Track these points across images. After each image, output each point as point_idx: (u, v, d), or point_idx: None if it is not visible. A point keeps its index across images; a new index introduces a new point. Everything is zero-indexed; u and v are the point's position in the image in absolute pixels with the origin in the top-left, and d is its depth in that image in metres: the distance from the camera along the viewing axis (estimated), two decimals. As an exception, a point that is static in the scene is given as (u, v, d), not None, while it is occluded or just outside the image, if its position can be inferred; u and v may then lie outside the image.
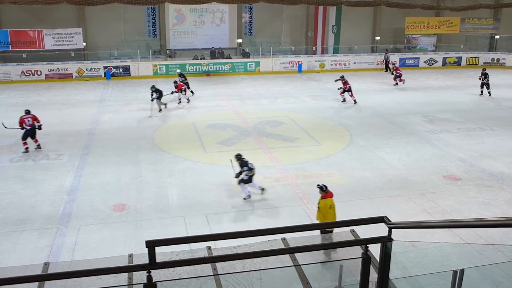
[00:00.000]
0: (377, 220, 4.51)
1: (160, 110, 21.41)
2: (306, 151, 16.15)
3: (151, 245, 3.90)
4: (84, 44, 30.88)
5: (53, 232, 10.66)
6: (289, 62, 32.85)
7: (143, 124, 19.38)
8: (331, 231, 7.84)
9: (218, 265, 4.98)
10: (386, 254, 4.45)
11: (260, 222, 10.90)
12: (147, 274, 3.91)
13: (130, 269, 4.47)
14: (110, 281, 4.26)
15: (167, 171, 14.27)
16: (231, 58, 32.89)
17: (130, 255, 5.30)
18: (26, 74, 29.31)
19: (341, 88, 23.25)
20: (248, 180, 12.18)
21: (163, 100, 21.59)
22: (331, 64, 33.55)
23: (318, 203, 9.35)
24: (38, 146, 16.30)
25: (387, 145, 16.65)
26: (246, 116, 20.69)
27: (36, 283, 4.62)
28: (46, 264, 5.51)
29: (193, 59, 31.90)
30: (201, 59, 32.11)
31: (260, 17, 34.80)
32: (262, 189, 12.54)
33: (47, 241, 10.29)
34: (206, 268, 4.95)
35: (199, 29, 34.16)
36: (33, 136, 16.21)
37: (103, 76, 29.74)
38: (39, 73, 29.43)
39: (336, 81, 23.80)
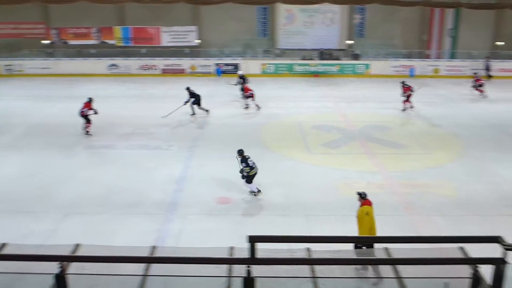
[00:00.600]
0: (491, 239, 4.18)
1: (194, 114, 20.58)
2: (414, 159, 15.49)
3: (253, 240, 3.96)
4: (197, 41, 32.20)
5: (161, 218, 11.25)
6: (401, 65, 31.73)
7: (250, 121, 19.79)
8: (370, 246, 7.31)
9: (317, 267, 4.93)
10: (499, 277, 4.11)
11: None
12: (247, 268, 3.97)
13: (231, 261, 4.58)
14: (211, 271, 4.39)
15: (270, 169, 14.40)
16: (339, 59, 32.50)
17: (231, 248, 5.42)
18: (144, 68, 31.23)
19: (405, 94, 21.56)
20: (248, 180, 12.16)
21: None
22: (446, 70, 31.88)
23: (357, 212, 9.17)
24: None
25: (503, 159, 15.46)
26: (352, 119, 20.34)
27: (143, 264, 4.90)
28: (154, 248, 5.82)
29: (301, 59, 31.98)
30: (309, 59, 32.09)
31: (372, 18, 33.96)
32: (258, 191, 12.36)
33: (155, 226, 10.88)
34: (304, 270, 4.93)
35: (309, 29, 34.13)
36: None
37: (214, 72, 30.81)
38: (155, 68, 31.23)
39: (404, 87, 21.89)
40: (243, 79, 24.21)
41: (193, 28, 32.00)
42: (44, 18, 32.82)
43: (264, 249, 4.26)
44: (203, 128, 18.84)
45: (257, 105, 21.63)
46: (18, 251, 5.11)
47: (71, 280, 4.24)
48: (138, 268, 4.84)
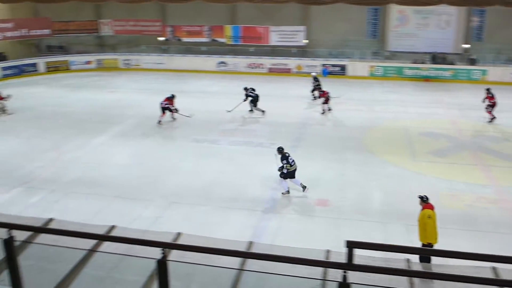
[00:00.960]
0: None
1: (251, 110, 21.00)
2: (532, 174, 14.28)
3: (351, 245, 3.87)
4: (305, 41, 32.20)
5: (259, 215, 11.42)
6: (523, 72, 29.35)
7: (353, 124, 19.40)
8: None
9: (416, 280, 4.71)
10: None
11: (467, 244, 10.03)
12: (343, 273, 3.88)
13: (327, 264, 4.51)
14: (305, 272, 4.35)
15: (372, 174, 14.08)
16: (454, 64, 30.81)
17: (328, 251, 5.34)
18: (252, 66, 31.85)
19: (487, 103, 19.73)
20: (290, 175, 12.28)
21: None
22: None
23: (418, 215, 9.00)
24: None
25: None
26: (464, 128, 19.18)
27: (239, 259, 4.98)
28: (250, 243, 5.90)
29: (412, 63, 30.77)
30: (421, 63, 30.79)
31: (493, 21, 31.71)
32: (304, 187, 12.41)
33: (253, 222, 11.07)
34: (402, 281, 4.72)
35: (422, 31, 32.69)
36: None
37: (320, 73, 30.64)
38: (262, 66, 31.72)
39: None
40: (317, 81, 23.85)
41: (302, 28, 32.04)
42: (161, 16, 34.67)
43: (360, 255, 4.14)
44: (306, 129, 18.81)
45: (328, 109, 21.13)
46: (125, 234, 5.43)
47: (171, 266, 4.42)
48: (234, 261, 4.92)
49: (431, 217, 8.79)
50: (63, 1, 30.06)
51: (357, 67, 30.59)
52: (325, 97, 20.97)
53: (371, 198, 12.40)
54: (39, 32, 32.25)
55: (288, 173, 12.47)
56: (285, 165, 12.37)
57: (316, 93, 23.22)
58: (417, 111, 21.96)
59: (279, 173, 12.55)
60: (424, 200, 9.10)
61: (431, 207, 9.01)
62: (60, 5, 32.16)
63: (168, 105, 19.12)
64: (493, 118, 19.84)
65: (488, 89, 20.57)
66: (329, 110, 21.03)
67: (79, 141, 17.22)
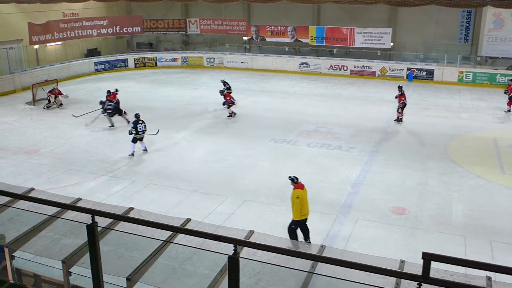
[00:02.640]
0: None
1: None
2: None
3: (428, 257, 3.69)
4: (391, 44, 31.34)
5: (333, 219, 11.26)
6: None
7: (438, 131, 18.60)
8: None
9: (495, 299, 4.44)
10: None
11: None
12: (417, 286, 3.72)
13: (401, 275, 4.34)
14: (377, 281, 4.23)
15: (455, 185, 13.43)
16: (553, 72, 28.68)
17: (402, 261, 5.16)
18: (334, 68, 31.49)
19: None
20: (136, 140, 14.68)
21: None
22: None
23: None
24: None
25: None
26: (560, 141, 17.82)
27: (311, 262, 4.92)
28: (322, 247, 5.82)
29: (506, 69, 29.01)
30: (516, 70, 28.95)
31: None
32: (145, 150, 14.03)
33: (326, 226, 10.93)
34: (481, 299, 4.47)
35: (520, 36, 30.72)
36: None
37: (405, 77, 29.71)
38: (345, 68, 31.26)
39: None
40: (226, 84, 23.09)
41: (388, 30, 31.22)
42: (247, 16, 35.18)
43: (437, 269, 3.96)
44: (388, 134, 18.29)
45: (232, 113, 20.63)
46: (199, 228, 5.55)
47: (242, 263, 4.45)
48: (305, 264, 4.88)
49: (299, 197, 9.72)
50: (155, 0, 31.33)
51: (445, 72, 29.32)
52: (229, 102, 20.58)
53: (452, 210, 11.83)
54: (130, 29, 33.85)
55: (134, 138, 15.40)
56: (132, 130, 15.34)
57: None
58: (510, 121, 20.67)
59: (355, 177, 12.26)
60: (294, 181, 10.05)
61: (301, 187, 9.97)
62: (151, 4, 33.57)
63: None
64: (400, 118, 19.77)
65: (400, 87, 20.36)
66: (233, 114, 20.61)
67: (162, 135, 17.86)
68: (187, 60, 34.25)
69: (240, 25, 34.11)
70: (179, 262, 5.58)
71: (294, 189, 10.02)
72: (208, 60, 34.26)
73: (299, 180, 10.14)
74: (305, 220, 9.91)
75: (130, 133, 15.62)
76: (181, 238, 5.31)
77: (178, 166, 14.88)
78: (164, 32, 35.37)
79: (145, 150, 16.01)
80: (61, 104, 22.43)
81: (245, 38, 34.64)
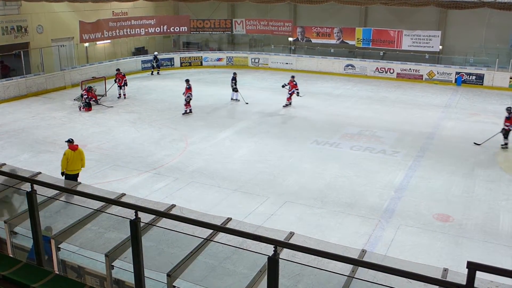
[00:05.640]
0: None
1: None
2: None
3: (473, 267, 3.59)
4: (440, 47, 30.58)
5: (374, 223, 11.09)
6: None
7: (486, 137, 18.01)
8: None
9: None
10: None
11: None
12: (461, 296, 3.62)
13: (444, 284, 4.23)
14: (418, 288, 4.15)
15: (503, 193, 12.98)
16: None
17: (445, 270, 5.03)
18: (380, 71, 31.01)
19: None
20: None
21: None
22: None
23: None
24: None
25: None
26: None
27: (351, 266, 4.86)
28: (363, 251, 5.74)
29: (561, 75, 27.80)
30: None
31: None
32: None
33: (367, 230, 10.78)
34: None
35: None
36: None
37: (453, 81, 28.91)
38: (391, 71, 30.73)
39: None
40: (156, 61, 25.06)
41: (437, 33, 30.46)
42: (292, 17, 35.10)
43: (482, 279, 3.85)
44: (433, 139, 17.85)
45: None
46: (240, 227, 5.58)
47: (281, 264, 4.44)
48: (345, 268, 4.83)
49: (65, 154, 11.83)
50: (202, 0, 31.72)
51: (495, 77, 28.36)
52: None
53: (499, 219, 11.45)
54: (177, 29, 34.37)
55: None
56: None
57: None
58: None
59: (399, 181, 12.04)
60: (70, 141, 12.08)
61: (73, 148, 11.93)
62: (198, 4, 34.00)
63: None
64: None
65: (293, 76, 22.71)
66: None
67: (205, 134, 18.09)
68: (232, 60, 34.49)
69: (286, 26, 34.07)
70: (218, 261, 5.63)
71: (68, 148, 11.99)
72: (253, 60, 34.39)
73: (75, 143, 12.16)
74: (74, 175, 11.94)
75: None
76: (221, 236, 5.35)
77: (220, 165, 15.01)
78: (211, 32, 35.75)
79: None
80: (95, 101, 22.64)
81: (290, 39, 34.57)
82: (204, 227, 4.85)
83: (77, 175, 12.08)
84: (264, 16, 34.99)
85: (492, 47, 30.14)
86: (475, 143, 17.18)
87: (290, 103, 22.49)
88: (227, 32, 35.81)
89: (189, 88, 21.03)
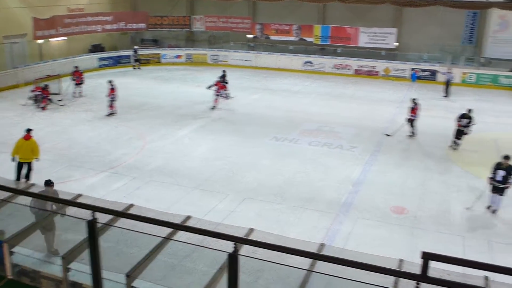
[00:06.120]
0: None
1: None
2: None
3: (427, 257, 3.72)
4: (395, 44, 31.29)
5: (332, 217, 11.27)
6: None
7: (439, 132, 18.58)
8: None
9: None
10: None
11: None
12: (416, 285, 3.75)
13: (400, 274, 4.37)
14: (376, 280, 4.24)
15: (454, 185, 13.45)
16: (557, 74, 28.58)
17: (401, 261, 5.18)
18: (338, 67, 31.46)
19: None
20: None
21: None
22: None
23: None
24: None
25: None
26: None
27: (310, 260, 4.94)
28: (322, 245, 5.84)
29: (509, 71, 28.92)
30: (519, 71, 28.86)
31: None
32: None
33: (326, 224, 10.95)
34: (478, 299, 4.47)
35: (524, 38, 30.60)
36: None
37: (408, 77, 29.65)
38: (349, 67, 31.22)
39: None
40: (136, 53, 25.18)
41: (393, 30, 31.15)
42: (251, 14, 35.15)
43: (435, 268, 3.99)
44: (388, 134, 18.27)
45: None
46: (199, 225, 5.57)
47: (241, 261, 4.47)
48: (305, 262, 4.89)
49: (17, 141, 12.59)
50: (160, -4, 31.46)
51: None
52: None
53: (451, 210, 11.86)
54: (135, 25, 33.84)
55: None
56: None
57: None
58: (509, 122, 20.65)
59: (356, 176, 12.27)
60: (27, 131, 12.65)
61: (25, 138, 12.55)
62: (156, 0, 33.63)
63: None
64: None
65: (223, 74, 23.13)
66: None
67: (164, 132, 17.91)
68: (191, 57, 34.25)
69: (245, 23, 34.09)
70: (178, 259, 5.61)
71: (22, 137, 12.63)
72: (212, 57, 34.25)
73: (31, 134, 12.75)
74: (23, 163, 12.55)
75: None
76: (181, 235, 5.33)
77: (179, 163, 14.91)
78: (169, 29, 35.38)
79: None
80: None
81: (249, 36, 34.62)
82: (163, 226, 4.82)
83: (27, 164, 12.67)
84: (223, 13, 34.90)
85: (445, 44, 31.07)
86: (386, 134, 17.93)
87: (215, 106, 21.47)
88: (186, 29, 35.54)
89: (113, 89, 20.24)
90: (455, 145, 16.77)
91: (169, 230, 5.35)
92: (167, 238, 5.38)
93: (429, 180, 13.80)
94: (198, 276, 5.49)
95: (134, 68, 31.71)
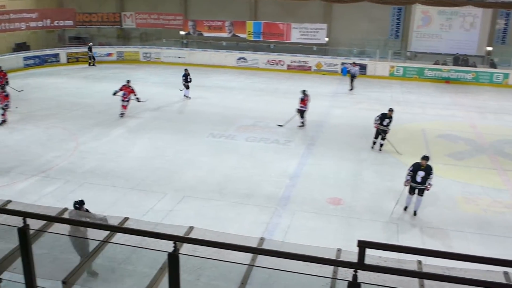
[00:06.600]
0: None
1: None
2: (552, 181, 14.07)
3: (363, 245, 3.84)
4: (326, 39, 32.04)
5: (271, 212, 11.42)
6: (547, 77, 28.86)
7: (371, 123, 19.19)
8: None
9: (426, 282, 4.68)
10: None
11: (480, 248, 9.92)
12: (354, 273, 3.86)
13: (338, 263, 4.49)
14: (316, 270, 4.34)
15: (387, 174, 14.00)
16: (476, 66, 30.38)
17: (339, 250, 5.32)
18: (271, 63, 31.81)
19: None
20: None
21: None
22: None
23: None
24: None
25: None
26: (483, 131, 18.92)
27: (251, 254, 4.98)
28: (262, 239, 5.90)
29: (433, 64, 30.42)
30: (442, 64, 30.43)
31: (518, 24, 31.19)
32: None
33: (265, 218, 11.07)
34: (413, 282, 4.69)
35: (445, 32, 32.30)
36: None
37: (339, 72, 30.46)
38: (282, 63, 31.67)
39: None
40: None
41: (323, 25, 31.90)
42: (183, 11, 34.81)
43: (372, 256, 4.14)
44: (322, 127, 18.74)
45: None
46: (138, 226, 5.48)
47: (182, 259, 4.44)
48: (246, 257, 4.93)
49: None
50: (87, -7, 30.50)
51: (377, 66, 30.36)
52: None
53: (385, 199, 12.31)
54: (62, 23, 32.61)
55: None
56: None
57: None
58: (436, 113, 21.75)
59: (293, 170, 12.48)
60: None
61: None
62: (84, -3, 32.56)
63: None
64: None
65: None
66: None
67: (97, 132, 17.40)
68: (122, 55, 33.46)
69: (177, 20, 33.73)
70: (117, 262, 5.49)
71: None
72: (145, 54, 33.63)
73: None
74: None
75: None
76: (119, 237, 5.21)
77: (114, 164, 14.54)
78: (98, 26, 34.36)
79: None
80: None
81: (182, 32, 34.27)
82: (99, 229, 4.71)
83: None
84: (154, 10, 34.32)
85: (373, 39, 32.19)
86: (278, 125, 18.42)
87: (123, 113, 19.56)
88: (116, 26, 34.65)
89: (6, 96, 18.44)
90: (374, 145, 16.29)
91: (106, 233, 5.22)
92: (105, 241, 5.25)
93: (364, 170, 14.28)
94: (138, 278, 5.39)
95: (90, 65, 31.25)
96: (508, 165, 15.09)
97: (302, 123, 18.49)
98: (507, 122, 20.75)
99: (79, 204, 8.07)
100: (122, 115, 19.50)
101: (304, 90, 18.71)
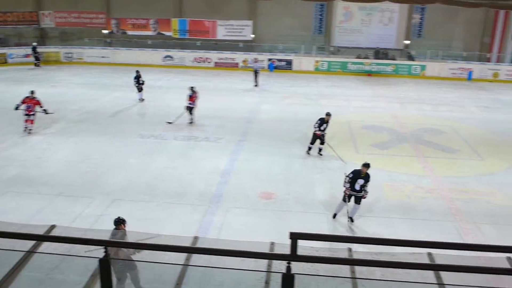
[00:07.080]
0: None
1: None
2: (466, 165, 15.00)
3: (295, 237, 3.93)
4: (252, 36, 32.31)
5: (204, 210, 11.39)
6: (459, 68, 30.73)
7: (299, 118, 19.67)
8: None
9: (357, 268, 4.87)
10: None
11: (406, 232, 10.42)
12: (287, 264, 3.95)
13: (272, 256, 4.58)
14: (251, 265, 4.41)
15: (316, 167, 14.36)
16: (395, 59, 31.82)
17: (272, 243, 5.42)
18: (198, 61, 31.66)
19: None
20: None
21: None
22: (506, 74, 30.62)
23: None
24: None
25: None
26: (404, 121, 19.87)
27: (185, 254, 4.97)
28: (196, 238, 5.90)
29: (356, 58, 31.53)
30: (364, 58, 31.60)
31: (432, 19, 32.99)
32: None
33: (198, 217, 11.02)
34: (345, 270, 4.87)
35: (366, 27, 33.57)
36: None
37: (266, 67, 30.81)
38: (209, 60, 31.60)
39: None
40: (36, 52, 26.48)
41: (249, 22, 32.14)
42: (105, 9, 33.83)
43: (305, 247, 4.25)
44: (252, 123, 18.90)
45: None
46: (66, 233, 5.30)
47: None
48: (180, 257, 4.91)
49: None
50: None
51: (302, 62, 31.02)
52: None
53: (315, 191, 12.64)
54: (-27, 23, 30.75)
55: None
56: None
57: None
58: (360, 105, 22.56)
59: (224, 166, 12.48)
60: None
61: None
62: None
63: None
64: None
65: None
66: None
67: (16, 138, 16.55)
68: (42, 56, 32.01)
69: (99, 18, 32.77)
70: (45, 272, 5.28)
71: None
72: (66, 55, 32.38)
73: None
74: None
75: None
76: (46, 246, 5.01)
77: (38, 170, 13.89)
78: (14, 26, 32.65)
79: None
80: None
81: (105, 31, 33.30)
82: (24, 239, 4.50)
83: None
84: (75, 8, 33.10)
85: (298, 35, 32.84)
86: (167, 122, 18.45)
87: (31, 129, 17.05)
88: (34, 25, 33.08)
89: None
90: (310, 151, 15.56)
91: (32, 242, 5.00)
92: (31, 252, 5.03)
93: (294, 164, 14.55)
94: (69, 286, 5.22)
95: (36, 66, 29.96)
96: (428, 152, 15.93)
97: (191, 119, 18.49)
98: (425, 111, 21.89)
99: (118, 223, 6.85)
100: (30, 130, 16.93)
101: (192, 87, 18.72)
